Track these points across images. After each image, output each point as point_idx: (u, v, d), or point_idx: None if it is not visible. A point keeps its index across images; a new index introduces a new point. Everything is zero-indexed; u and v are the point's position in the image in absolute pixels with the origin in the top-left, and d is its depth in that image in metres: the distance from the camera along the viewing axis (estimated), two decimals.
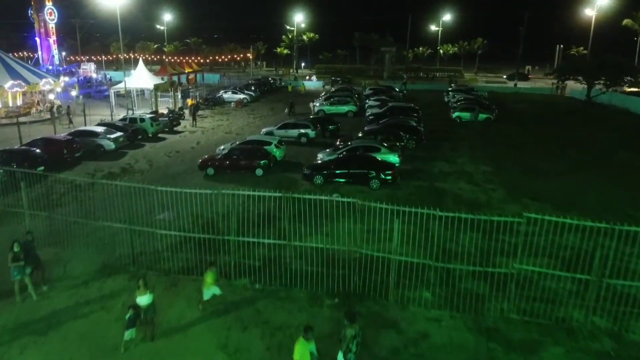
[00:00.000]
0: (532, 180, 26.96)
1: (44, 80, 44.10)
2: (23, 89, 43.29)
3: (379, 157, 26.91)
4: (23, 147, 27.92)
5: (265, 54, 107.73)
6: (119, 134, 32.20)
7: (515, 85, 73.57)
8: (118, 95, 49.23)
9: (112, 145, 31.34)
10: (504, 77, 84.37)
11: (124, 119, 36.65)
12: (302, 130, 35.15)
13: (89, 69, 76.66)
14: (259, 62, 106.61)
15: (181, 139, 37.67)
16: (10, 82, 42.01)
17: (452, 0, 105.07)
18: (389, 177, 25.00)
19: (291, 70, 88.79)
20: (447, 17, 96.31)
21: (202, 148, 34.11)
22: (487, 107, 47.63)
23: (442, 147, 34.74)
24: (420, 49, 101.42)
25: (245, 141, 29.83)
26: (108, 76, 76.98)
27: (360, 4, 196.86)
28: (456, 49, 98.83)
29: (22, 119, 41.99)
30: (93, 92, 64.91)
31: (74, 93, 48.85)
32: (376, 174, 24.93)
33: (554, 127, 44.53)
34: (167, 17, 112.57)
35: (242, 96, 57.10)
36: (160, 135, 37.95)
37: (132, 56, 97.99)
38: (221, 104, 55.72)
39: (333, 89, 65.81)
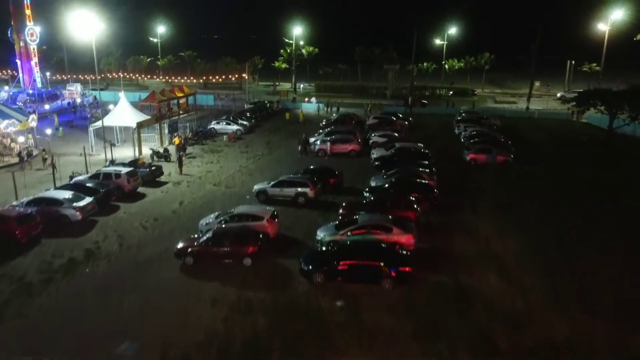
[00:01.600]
0: (575, 265, 22.57)
1: (6, 122, 39.46)
2: None
3: (392, 237, 22.71)
4: None
5: (263, 69, 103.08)
6: (87, 200, 27.70)
7: (528, 108, 69.10)
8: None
9: (78, 217, 26.90)
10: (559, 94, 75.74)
11: (96, 175, 32.12)
12: (300, 190, 30.68)
13: (74, 90, 71.79)
14: (255, 76, 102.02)
15: (163, 195, 33.17)
16: None
17: (457, 13, 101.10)
18: (405, 276, 20.61)
19: (289, 88, 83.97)
20: (452, 30, 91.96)
21: (184, 213, 29.69)
22: (503, 145, 43.25)
23: (459, 207, 30.32)
24: (425, 64, 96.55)
25: (232, 215, 25.38)
26: (92, 98, 71.67)
27: (362, 16, 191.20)
28: (462, 64, 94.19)
29: None
30: (77, 118, 60.27)
31: (48, 131, 44.32)
32: (388, 268, 20.54)
33: (582, 167, 40.12)
34: (161, 30, 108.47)
35: (235, 128, 52.60)
36: (140, 188, 33.52)
37: (123, 75, 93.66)
38: (213, 136, 51.22)
39: (334, 114, 61.22)
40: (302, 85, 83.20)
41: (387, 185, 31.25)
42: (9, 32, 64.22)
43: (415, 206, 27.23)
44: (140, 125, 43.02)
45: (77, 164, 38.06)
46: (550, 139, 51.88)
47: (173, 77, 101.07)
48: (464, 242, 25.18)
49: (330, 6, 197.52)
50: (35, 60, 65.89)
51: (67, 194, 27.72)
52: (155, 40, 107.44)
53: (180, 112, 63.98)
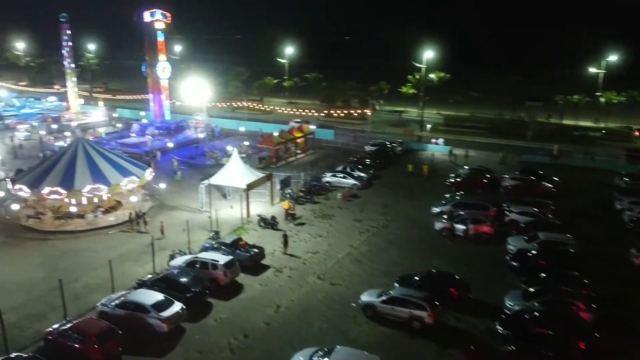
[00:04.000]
0: None
1: (126, 179, 39.09)
2: (102, 193, 38.70)
3: None
4: None
5: (389, 95, 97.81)
6: (175, 309, 24.96)
7: None
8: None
9: (163, 329, 24.27)
10: None
11: (193, 263, 29.57)
12: (415, 312, 25.22)
13: (202, 119, 72.37)
14: (381, 102, 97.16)
15: (260, 289, 29.66)
16: (89, 187, 37.60)
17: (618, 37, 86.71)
18: None
19: (413, 126, 77.22)
20: (612, 57, 78.44)
21: (278, 326, 25.85)
22: None
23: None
24: (574, 97, 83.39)
25: None
26: (214, 126, 71.85)
27: (501, 40, 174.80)
28: (623, 98, 79.74)
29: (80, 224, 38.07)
30: (198, 155, 59.94)
31: (162, 185, 43.66)
32: None
33: None
34: (289, 51, 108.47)
35: (351, 182, 48.25)
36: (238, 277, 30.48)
37: (248, 101, 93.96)
38: (327, 191, 47.34)
39: (465, 168, 53.16)
40: (429, 126, 76.02)
41: (528, 316, 24.54)
42: (142, 67, 66.67)
43: None
44: (250, 187, 40.45)
45: (187, 222, 35.99)
46: None
47: (296, 99, 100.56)
48: None
49: (464, 28, 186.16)
50: (165, 94, 67.73)
51: (156, 298, 25.21)
52: (283, 61, 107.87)
53: (298, 152, 61.51)
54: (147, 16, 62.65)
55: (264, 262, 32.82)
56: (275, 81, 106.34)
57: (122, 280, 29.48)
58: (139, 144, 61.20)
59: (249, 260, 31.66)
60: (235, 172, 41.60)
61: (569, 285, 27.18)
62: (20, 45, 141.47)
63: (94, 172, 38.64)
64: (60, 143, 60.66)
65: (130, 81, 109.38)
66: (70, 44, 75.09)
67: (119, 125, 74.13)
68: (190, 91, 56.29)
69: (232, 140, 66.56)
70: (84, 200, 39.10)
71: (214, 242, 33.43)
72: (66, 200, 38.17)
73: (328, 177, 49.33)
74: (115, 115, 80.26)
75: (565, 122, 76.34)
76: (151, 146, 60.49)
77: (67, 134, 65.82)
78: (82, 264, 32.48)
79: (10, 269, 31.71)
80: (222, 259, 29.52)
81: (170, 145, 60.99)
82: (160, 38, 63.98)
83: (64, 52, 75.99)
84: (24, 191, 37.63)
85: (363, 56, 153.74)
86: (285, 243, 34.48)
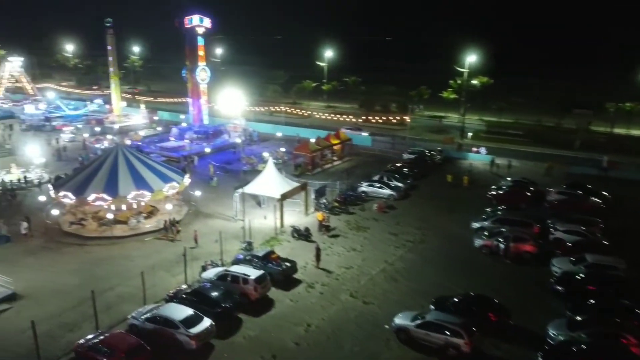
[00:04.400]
0: None
1: (167, 185, 39.25)
2: (145, 199, 39.02)
3: None
4: None
5: (429, 99, 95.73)
6: (204, 325, 24.64)
7: None
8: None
9: (192, 346, 23.96)
10: None
11: (224, 277, 29.21)
12: (451, 339, 23.98)
13: (239, 123, 72.46)
14: (421, 107, 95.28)
15: (291, 306, 29.00)
16: (134, 193, 37.97)
17: None
18: None
19: (454, 134, 75.07)
20: None
21: (307, 348, 25.14)
22: None
23: None
24: (627, 104, 79.03)
25: None
26: (252, 131, 71.87)
27: (541, 41, 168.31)
28: None
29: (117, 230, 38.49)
30: (235, 160, 59.58)
31: (198, 193, 43.74)
32: None
33: None
34: (329, 54, 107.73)
35: (388, 193, 47.10)
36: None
37: (287, 106, 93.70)
38: (363, 201, 46.37)
39: (507, 180, 50.88)
40: (470, 134, 73.79)
41: (575, 349, 22.93)
42: (183, 72, 67.39)
43: None
44: (284, 196, 39.98)
45: (219, 233, 35.69)
46: None
47: (334, 102, 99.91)
48: None
49: (509, 29, 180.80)
50: (204, 97, 68.24)
51: (186, 313, 24.95)
52: (322, 64, 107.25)
53: (334, 158, 60.76)
54: (188, 21, 63.19)
55: (296, 276, 32.22)
56: (314, 85, 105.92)
57: (154, 290, 29.46)
58: (178, 148, 61.83)
59: (281, 274, 31.09)
60: (270, 181, 41.24)
61: (620, 315, 25.39)
62: (69, 47, 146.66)
63: (136, 178, 39.02)
64: (100, 145, 62.14)
65: (172, 83, 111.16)
66: (110, 48, 76.71)
67: (159, 128, 75.27)
68: (228, 100, 56.28)
69: (269, 145, 66.41)
70: (123, 207, 39.51)
71: (246, 254, 33.09)
72: (105, 206, 38.65)
73: (364, 187, 48.29)
74: (156, 117, 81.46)
75: (617, 130, 72.56)
76: (189, 150, 61.01)
77: (109, 136, 67.23)
78: (117, 271, 32.72)
79: (47, 275, 32.28)
80: (253, 273, 29.04)
81: (208, 150, 61.23)
82: (201, 43, 64.38)
83: (108, 56, 78.01)
84: (69, 197, 38.03)
85: (403, 58, 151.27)
86: (318, 257, 33.76)
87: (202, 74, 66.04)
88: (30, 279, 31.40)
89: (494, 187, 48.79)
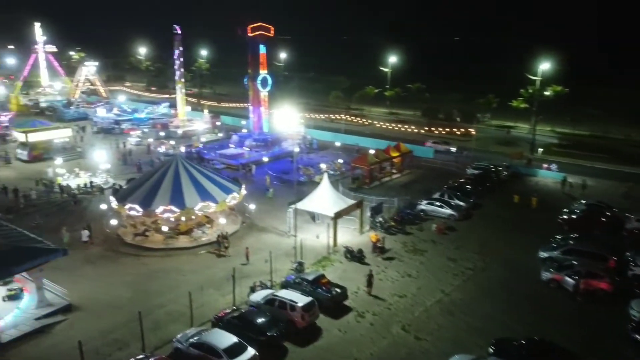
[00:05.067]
0: None
1: (200, 204, 38.88)
2: (210, 211, 39.14)
3: None
4: None
5: (497, 109, 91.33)
6: (248, 355, 23.89)
7: None
8: None
9: None
10: None
11: (272, 301, 28.41)
12: None
13: (299, 131, 72.02)
14: (487, 116, 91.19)
15: (339, 337, 27.68)
16: (200, 204, 38.16)
17: None
18: None
19: (525, 148, 70.56)
20: None
21: None
22: None
23: None
24: None
25: None
26: (311, 138, 71.15)
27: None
28: None
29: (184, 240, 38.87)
30: (291, 171, 58.73)
31: (252, 206, 43.42)
32: None
33: None
34: (392, 59, 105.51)
35: (448, 213, 44.79)
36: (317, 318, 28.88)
37: (347, 113, 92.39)
38: (421, 221, 44.35)
39: (581, 203, 46.75)
40: (540, 149, 69.40)
41: None
42: (244, 80, 67.83)
43: None
44: (338, 215, 38.80)
45: (271, 251, 35.17)
46: None
47: (397, 109, 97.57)
48: None
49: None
50: (264, 106, 68.33)
51: (230, 341, 24.32)
52: (386, 70, 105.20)
53: (394, 171, 58.90)
54: (250, 30, 63.44)
55: (346, 302, 30.93)
56: (376, 91, 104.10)
57: (202, 310, 29.22)
58: (237, 156, 62.17)
59: (330, 301, 29.90)
60: (324, 197, 40.19)
61: None
62: (141, 50, 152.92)
63: (200, 190, 39.11)
64: (161, 149, 63.80)
65: (236, 87, 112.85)
66: (178, 50, 78.64)
67: (220, 134, 76.30)
68: (288, 108, 55.81)
69: (327, 155, 65.55)
70: (183, 218, 39.63)
71: (296, 276, 32.18)
72: (172, 219, 38.71)
73: (423, 205, 46.20)
74: (218, 123, 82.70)
75: None
76: (248, 158, 61.18)
77: (172, 142, 68.81)
78: (169, 286, 32.77)
79: (103, 286, 32.75)
80: (301, 300, 28.02)
81: (265, 159, 61.06)
82: (263, 51, 64.45)
83: (175, 60, 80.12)
84: (136, 210, 37.77)
85: (471, 61, 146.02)
86: (370, 283, 32.27)
87: (263, 82, 65.96)
88: (85, 289, 32.03)
89: (565, 210, 45.16)
